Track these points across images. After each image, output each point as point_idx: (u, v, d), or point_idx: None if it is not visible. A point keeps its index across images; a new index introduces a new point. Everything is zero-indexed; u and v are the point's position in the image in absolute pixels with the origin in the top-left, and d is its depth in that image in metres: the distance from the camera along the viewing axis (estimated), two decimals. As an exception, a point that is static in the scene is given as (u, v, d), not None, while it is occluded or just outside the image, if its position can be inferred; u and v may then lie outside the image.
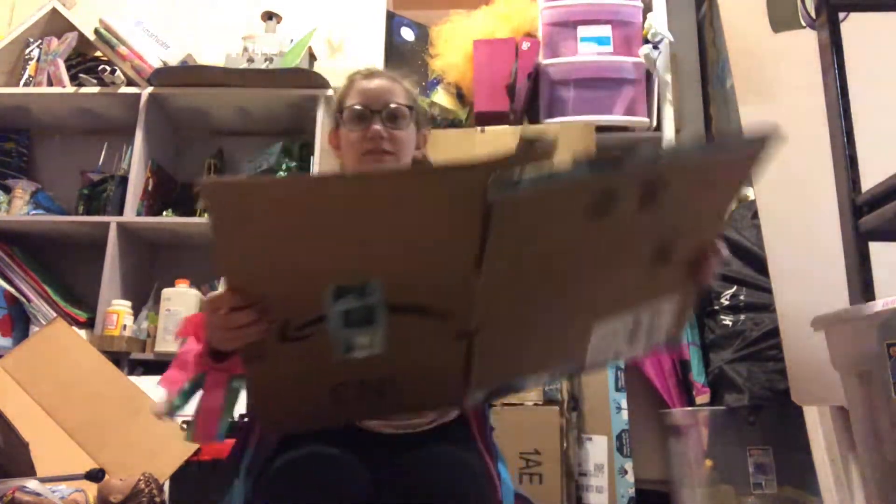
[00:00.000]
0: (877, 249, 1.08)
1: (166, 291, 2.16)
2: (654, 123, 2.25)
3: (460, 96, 2.40)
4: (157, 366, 2.07)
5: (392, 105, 1.13)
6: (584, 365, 0.91)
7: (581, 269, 0.79)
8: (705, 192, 0.78)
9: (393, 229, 0.70)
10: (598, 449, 1.82)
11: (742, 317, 1.87)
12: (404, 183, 0.70)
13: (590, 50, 2.27)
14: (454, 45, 2.38)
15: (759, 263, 1.86)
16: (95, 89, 2.35)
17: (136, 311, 2.18)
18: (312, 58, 2.44)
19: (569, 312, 0.84)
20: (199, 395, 0.93)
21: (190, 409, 0.94)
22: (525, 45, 2.27)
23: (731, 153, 0.77)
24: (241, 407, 0.96)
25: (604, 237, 0.75)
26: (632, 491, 1.80)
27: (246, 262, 0.72)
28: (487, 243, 0.68)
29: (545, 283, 0.78)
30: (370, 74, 1.19)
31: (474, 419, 1.08)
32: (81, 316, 2.21)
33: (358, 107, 1.13)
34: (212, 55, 2.46)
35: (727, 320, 1.90)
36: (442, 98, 2.38)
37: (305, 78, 2.27)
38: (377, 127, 1.11)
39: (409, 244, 0.72)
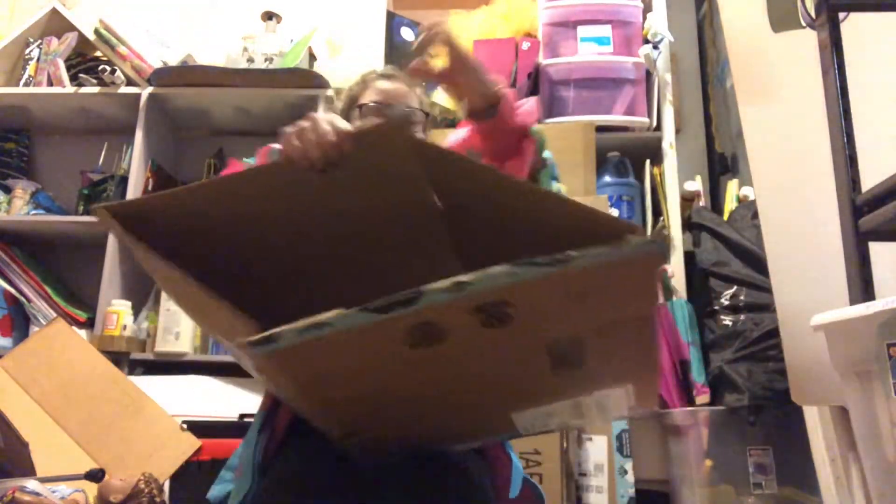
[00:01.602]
0: (877, 249, 1.08)
1: (166, 291, 2.16)
2: (654, 123, 2.25)
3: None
4: (157, 366, 2.07)
5: (408, 107, 1.17)
6: (520, 433, 0.91)
7: (440, 385, 0.77)
8: (585, 303, 0.68)
9: None
10: (598, 449, 1.82)
11: (742, 317, 1.87)
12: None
13: (590, 50, 2.27)
14: (454, 45, 2.38)
15: (759, 263, 1.86)
16: (95, 89, 2.35)
17: (136, 311, 2.18)
18: (312, 58, 2.44)
19: (454, 412, 0.85)
20: None
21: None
22: (525, 45, 2.27)
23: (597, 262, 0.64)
24: (242, 407, 0.97)
25: (446, 359, 0.71)
26: (632, 491, 1.80)
27: None
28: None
29: (402, 402, 0.80)
30: (388, 76, 1.21)
31: None
32: (81, 316, 2.21)
33: (375, 105, 1.16)
34: (212, 55, 2.46)
35: (727, 320, 1.90)
36: (442, 98, 2.38)
37: (305, 78, 2.27)
38: None
39: None
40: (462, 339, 0.68)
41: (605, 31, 2.27)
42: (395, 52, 2.50)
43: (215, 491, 1.06)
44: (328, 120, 0.80)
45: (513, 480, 1.01)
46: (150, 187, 2.29)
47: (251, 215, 0.85)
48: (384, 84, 1.20)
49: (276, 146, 0.89)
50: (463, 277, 0.61)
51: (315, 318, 0.62)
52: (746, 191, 2.11)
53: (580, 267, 0.61)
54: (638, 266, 0.63)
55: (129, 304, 2.14)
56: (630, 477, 1.81)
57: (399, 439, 0.89)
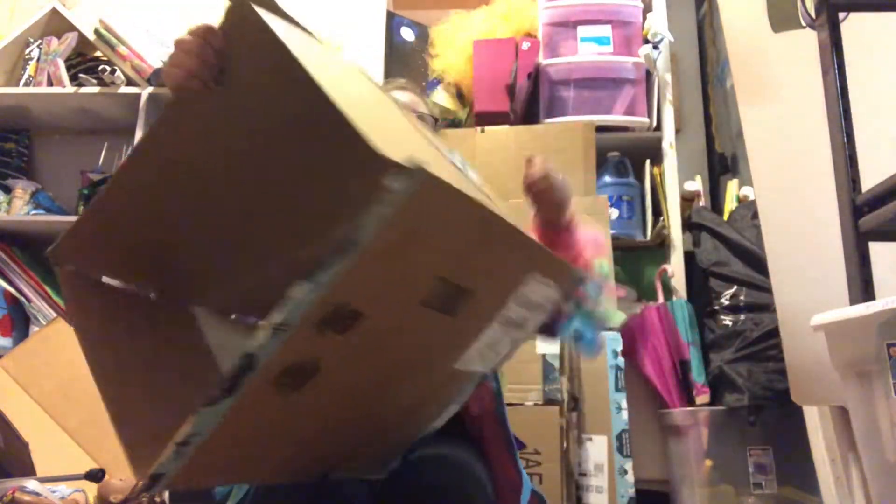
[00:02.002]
0: (877, 249, 1.08)
1: (166, 291, 2.16)
2: (654, 123, 2.25)
3: (460, 96, 2.40)
4: (157, 366, 2.07)
5: (418, 113, 1.23)
6: (484, 372, 0.88)
7: (359, 395, 0.72)
8: (412, 256, 0.61)
9: None
10: (598, 449, 1.82)
11: (742, 317, 1.87)
12: None
13: (590, 50, 2.27)
14: (454, 45, 2.38)
15: (759, 263, 1.86)
16: (95, 89, 2.35)
17: (136, 311, 2.18)
18: (312, 58, 2.43)
19: (400, 407, 0.81)
20: None
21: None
22: (525, 45, 2.27)
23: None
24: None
25: (339, 378, 0.66)
26: (632, 491, 1.80)
27: None
28: None
29: (341, 427, 0.76)
30: (401, 87, 1.31)
31: (483, 416, 1.08)
32: (81, 316, 2.21)
33: None
34: (212, 55, 2.46)
35: (727, 320, 1.90)
36: (442, 98, 2.38)
37: (305, 78, 2.26)
38: None
39: None
40: (334, 356, 0.62)
41: (605, 31, 2.27)
42: (395, 52, 2.50)
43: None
44: (189, 30, 0.76)
45: (522, 496, 1.02)
46: (150, 187, 2.29)
47: (184, 184, 0.80)
48: (399, 95, 1.27)
49: None
50: (275, 318, 0.55)
51: (175, 437, 0.58)
52: (746, 191, 2.11)
53: (370, 239, 0.54)
54: (421, 198, 0.55)
55: (129, 304, 2.14)
56: (630, 477, 1.81)
57: (378, 448, 0.87)
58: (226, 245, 0.88)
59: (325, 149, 0.77)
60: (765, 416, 1.78)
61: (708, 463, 1.83)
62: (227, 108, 0.76)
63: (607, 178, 2.23)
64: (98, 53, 2.44)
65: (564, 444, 1.72)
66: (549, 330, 0.98)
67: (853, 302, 1.05)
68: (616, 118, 2.23)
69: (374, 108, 0.73)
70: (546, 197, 1.01)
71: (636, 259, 2.21)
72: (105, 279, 0.83)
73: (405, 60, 2.49)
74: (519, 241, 0.72)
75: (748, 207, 2.03)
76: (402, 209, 0.54)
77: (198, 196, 0.82)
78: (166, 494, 1.60)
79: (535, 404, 1.73)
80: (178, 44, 0.75)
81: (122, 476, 1.48)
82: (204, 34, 0.74)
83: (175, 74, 0.74)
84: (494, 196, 0.90)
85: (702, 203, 2.21)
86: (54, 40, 2.43)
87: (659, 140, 2.23)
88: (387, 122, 0.72)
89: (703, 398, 1.90)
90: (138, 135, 2.29)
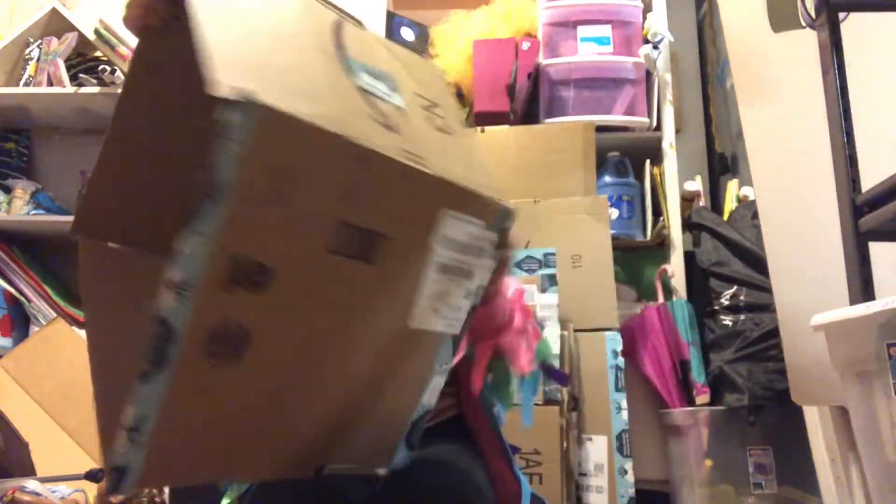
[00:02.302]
0: (877, 249, 1.08)
1: (166, 291, 2.16)
2: (654, 123, 2.25)
3: (460, 96, 2.40)
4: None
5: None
6: (458, 335, 0.82)
7: (312, 365, 0.68)
8: (289, 201, 0.57)
9: None
10: (598, 449, 1.82)
11: (742, 317, 1.87)
12: None
13: (590, 50, 2.27)
14: (454, 45, 2.38)
15: (759, 263, 1.86)
16: (95, 89, 2.35)
17: (136, 311, 2.18)
18: (312, 58, 2.43)
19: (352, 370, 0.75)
20: None
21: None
22: (525, 45, 2.27)
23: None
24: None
25: (276, 342, 0.63)
26: (632, 491, 1.80)
27: None
28: None
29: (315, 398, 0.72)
30: None
31: (477, 420, 1.08)
32: (81, 316, 2.21)
33: None
34: (212, 55, 2.46)
35: (727, 320, 1.90)
36: (442, 98, 2.38)
37: (305, 78, 2.26)
38: None
39: None
40: (261, 319, 0.59)
41: (605, 31, 2.27)
42: (395, 52, 2.49)
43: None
44: None
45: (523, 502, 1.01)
46: (150, 187, 2.29)
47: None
48: None
49: None
50: (175, 276, 0.52)
51: (122, 420, 0.54)
52: (746, 191, 2.11)
53: (232, 181, 0.51)
54: (270, 134, 0.51)
55: (129, 304, 2.14)
56: (630, 477, 1.81)
57: (367, 432, 0.82)
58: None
59: None
60: (765, 416, 1.78)
61: (708, 463, 1.83)
62: (183, 50, 0.72)
63: (607, 178, 2.23)
64: (98, 53, 2.44)
65: (564, 444, 1.72)
66: None
67: (853, 302, 1.05)
68: (616, 118, 2.23)
69: (267, 34, 0.66)
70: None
71: (636, 259, 2.21)
72: (113, 245, 0.80)
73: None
74: (413, 178, 0.65)
75: (748, 207, 2.03)
76: (252, 147, 0.51)
77: (181, 143, 0.79)
78: (166, 494, 1.60)
79: (535, 404, 1.73)
80: None
81: (122, 476, 1.48)
82: None
83: (133, 14, 0.74)
84: (447, 125, 0.82)
85: (702, 203, 2.21)
86: (54, 40, 2.43)
87: (659, 140, 2.23)
88: (271, 48, 0.64)
89: (703, 398, 1.90)
90: (138, 135, 2.29)
